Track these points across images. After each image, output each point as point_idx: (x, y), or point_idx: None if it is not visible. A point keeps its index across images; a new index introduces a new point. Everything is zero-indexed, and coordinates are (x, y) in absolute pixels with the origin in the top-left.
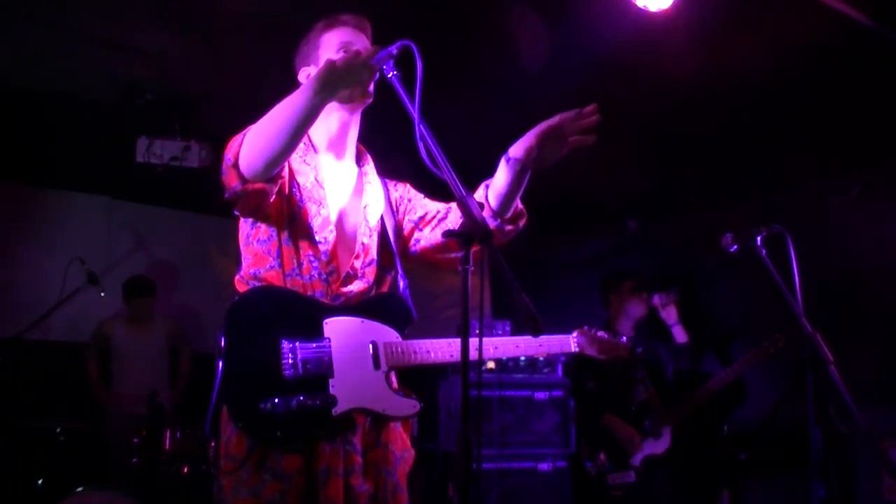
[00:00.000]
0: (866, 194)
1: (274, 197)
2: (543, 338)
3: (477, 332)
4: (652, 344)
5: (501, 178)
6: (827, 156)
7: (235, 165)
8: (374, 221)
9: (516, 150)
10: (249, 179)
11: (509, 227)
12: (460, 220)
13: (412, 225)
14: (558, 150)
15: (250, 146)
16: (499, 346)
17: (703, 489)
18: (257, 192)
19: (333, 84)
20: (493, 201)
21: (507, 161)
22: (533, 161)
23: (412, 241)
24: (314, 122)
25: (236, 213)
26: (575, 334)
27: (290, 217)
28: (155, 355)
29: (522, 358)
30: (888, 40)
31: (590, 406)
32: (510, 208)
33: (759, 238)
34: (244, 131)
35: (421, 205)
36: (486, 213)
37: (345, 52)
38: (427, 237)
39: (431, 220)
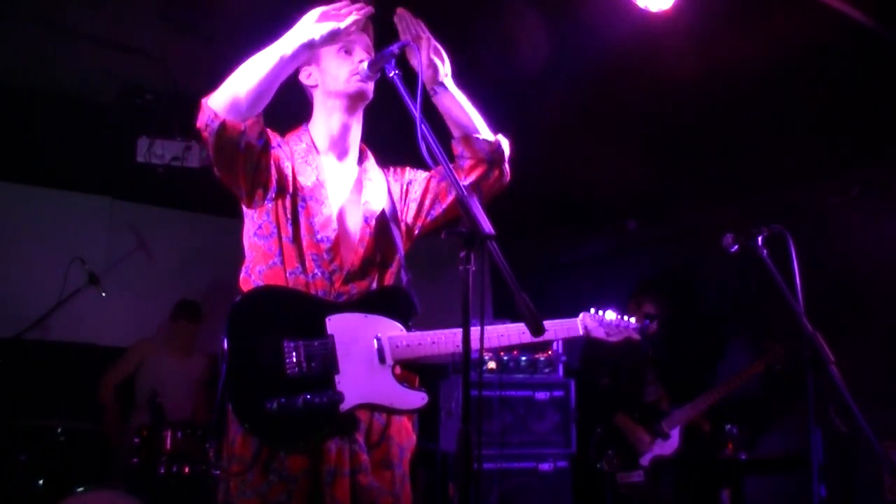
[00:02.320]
0: (865, 194)
1: (244, 152)
2: (549, 322)
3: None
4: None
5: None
6: (827, 156)
7: (208, 103)
8: (375, 217)
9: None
10: (224, 115)
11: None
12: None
13: (416, 205)
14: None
15: (229, 86)
16: (504, 334)
17: (705, 489)
18: (233, 126)
19: (310, 26)
20: (456, 131)
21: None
22: (426, 74)
23: (426, 217)
24: (292, 67)
25: (215, 171)
26: (581, 316)
27: (293, 215)
28: (190, 390)
29: (523, 358)
30: (888, 40)
31: (603, 402)
32: (473, 125)
33: (759, 238)
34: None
35: (420, 182)
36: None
37: (346, 51)
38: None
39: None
